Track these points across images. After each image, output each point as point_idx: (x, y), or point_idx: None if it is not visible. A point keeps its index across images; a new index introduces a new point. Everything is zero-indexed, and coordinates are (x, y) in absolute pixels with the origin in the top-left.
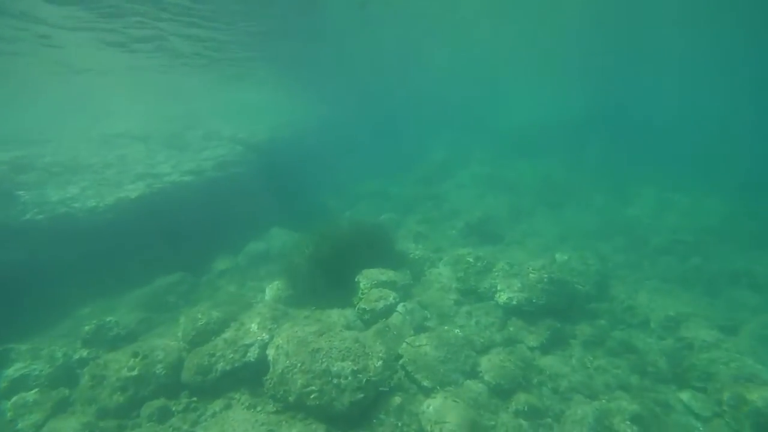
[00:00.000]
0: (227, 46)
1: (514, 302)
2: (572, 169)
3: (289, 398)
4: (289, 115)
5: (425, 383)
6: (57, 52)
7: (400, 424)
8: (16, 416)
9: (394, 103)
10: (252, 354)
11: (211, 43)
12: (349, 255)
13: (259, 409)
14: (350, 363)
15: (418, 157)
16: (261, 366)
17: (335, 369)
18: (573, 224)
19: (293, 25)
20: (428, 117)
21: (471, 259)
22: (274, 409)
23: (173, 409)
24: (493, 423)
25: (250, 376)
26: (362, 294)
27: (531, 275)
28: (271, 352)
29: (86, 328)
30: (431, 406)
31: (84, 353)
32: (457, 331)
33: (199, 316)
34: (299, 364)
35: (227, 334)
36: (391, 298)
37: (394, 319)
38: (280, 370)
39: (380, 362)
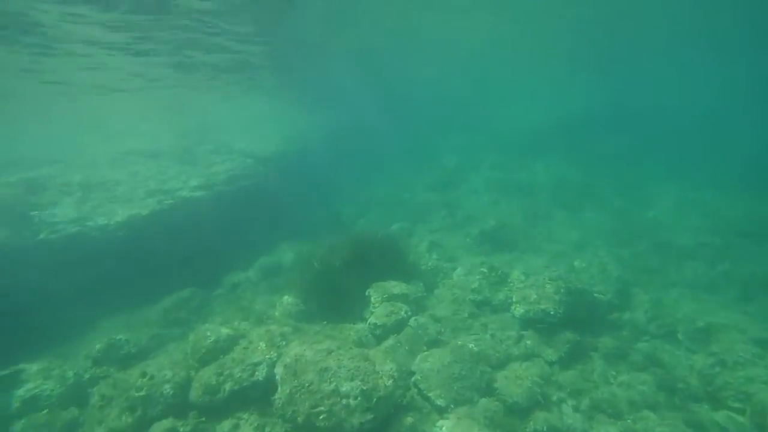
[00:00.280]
0: (238, 57)
1: (531, 315)
2: (588, 169)
3: (298, 419)
4: (299, 124)
5: (439, 402)
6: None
7: None
8: None
9: (404, 107)
10: (260, 373)
11: (223, 54)
12: (359, 267)
13: (267, 430)
14: (359, 383)
15: (430, 162)
16: (270, 385)
17: (344, 389)
18: (591, 228)
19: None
20: (439, 120)
21: (485, 270)
22: (283, 430)
23: (181, 430)
24: None
25: (258, 396)
26: (373, 308)
27: (547, 286)
28: (279, 371)
29: (97, 346)
30: (444, 427)
31: (95, 372)
32: (471, 345)
33: (208, 334)
34: (307, 384)
35: (235, 353)
36: (402, 312)
37: (406, 333)
38: (288, 390)
39: (390, 381)
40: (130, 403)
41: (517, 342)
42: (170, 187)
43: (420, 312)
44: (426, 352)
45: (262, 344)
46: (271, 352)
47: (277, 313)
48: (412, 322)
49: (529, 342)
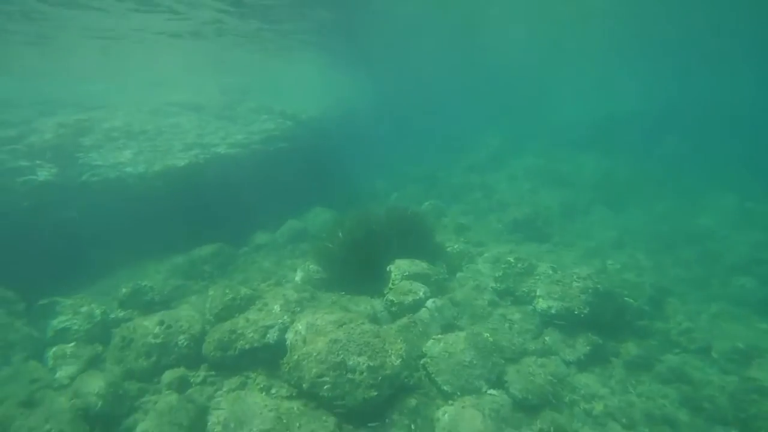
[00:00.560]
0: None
1: (553, 311)
2: (639, 166)
3: (303, 385)
4: (341, 92)
5: (445, 387)
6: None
7: (413, 427)
8: (55, 366)
9: (451, 86)
10: (272, 336)
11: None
12: (384, 242)
13: (273, 391)
14: (367, 358)
15: (472, 143)
16: (280, 349)
17: (351, 363)
18: (632, 228)
19: None
20: (485, 102)
21: (512, 259)
22: (288, 393)
23: (191, 380)
24: None
25: (268, 357)
26: (392, 285)
27: (574, 284)
28: (290, 336)
29: (123, 290)
30: (447, 413)
31: (120, 314)
32: (486, 335)
33: (227, 291)
34: (315, 353)
35: (250, 313)
36: (421, 293)
37: (422, 314)
38: (296, 356)
39: (399, 360)
40: (147, 349)
41: (535, 337)
42: (208, 141)
43: (439, 294)
44: (439, 336)
45: (277, 307)
46: (284, 317)
47: (297, 278)
48: (429, 303)
49: (548, 338)
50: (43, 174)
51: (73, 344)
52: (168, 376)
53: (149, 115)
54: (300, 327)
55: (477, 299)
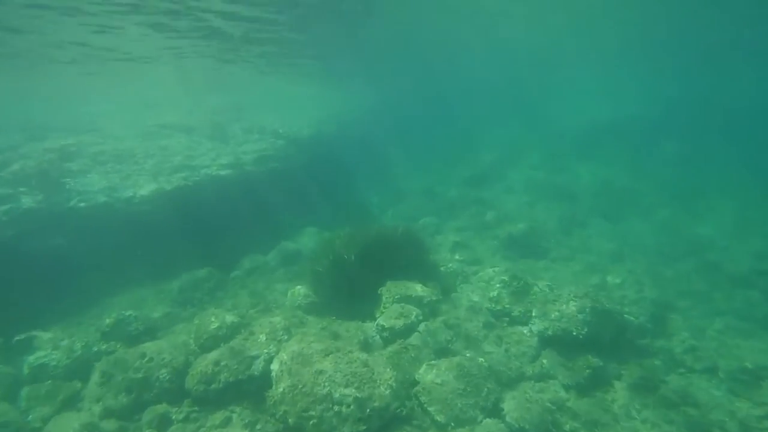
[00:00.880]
0: (274, 27)
1: (550, 332)
2: (638, 175)
3: (289, 420)
4: (334, 107)
5: (438, 418)
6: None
7: None
8: (28, 407)
9: (446, 96)
10: (257, 367)
11: (258, 24)
12: (376, 263)
13: (258, 427)
14: (354, 390)
15: (469, 155)
16: (265, 380)
17: (337, 395)
18: (631, 241)
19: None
20: (481, 112)
21: (507, 278)
22: (274, 429)
23: (173, 417)
24: None
25: (254, 390)
26: (384, 308)
27: (571, 303)
28: (275, 368)
29: (107, 321)
30: None
31: (103, 346)
32: (481, 360)
33: (213, 319)
34: (300, 386)
35: (235, 343)
36: (413, 317)
37: (414, 339)
38: (281, 389)
39: (388, 391)
40: (128, 384)
41: (532, 360)
42: (198, 163)
43: (432, 317)
44: (433, 362)
45: (263, 337)
46: (270, 347)
47: (287, 303)
48: (422, 327)
49: (545, 361)
50: (28, 201)
51: (49, 382)
52: (149, 413)
53: (139, 138)
54: (285, 357)
55: (471, 321)
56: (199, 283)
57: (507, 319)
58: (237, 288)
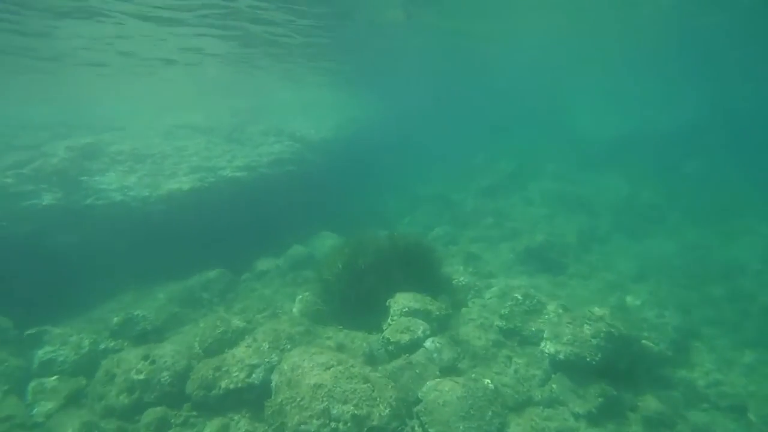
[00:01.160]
0: (300, 32)
1: (562, 356)
2: (664, 190)
3: None
4: (352, 112)
5: None
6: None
7: None
8: (34, 401)
9: (466, 101)
10: (257, 376)
11: (282, 28)
12: (386, 272)
13: None
14: (352, 407)
15: (488, 162)
16: (265, 389)
17: (335, 412)
18: (655, 260)
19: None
20: (502, 119)
21: (519, 296)
22: None
23: (172, 421)
24: None
25: (253, 398)
26: (391, 321)
27: (586, 326)
28: (275, 378)
29: (115, 319)
30: None
31: (110, 344)
32: (487, 381)
33: (218, 323)
34: (299, 399)
35: (238, 349)
36: (419, 332)
37: (420, 355)
38: (280, 400)
39: (388, 410)
40: (130, 385)
41: (541, 384)
42: (214, 164)
43: (441, 332)
44: (437, 380)
45: (266, 345)
46: (272, 356)
47: (294, 309)
48: (428, 343)
49: (555, 386)
50: (48, 198)
51: (55, 378)
52: (148, 416)
53: (158, 138)
54: (286, 367)
55: (480, 339)
56: (210, 284)
57: (518, 338)
58: (247, 291)
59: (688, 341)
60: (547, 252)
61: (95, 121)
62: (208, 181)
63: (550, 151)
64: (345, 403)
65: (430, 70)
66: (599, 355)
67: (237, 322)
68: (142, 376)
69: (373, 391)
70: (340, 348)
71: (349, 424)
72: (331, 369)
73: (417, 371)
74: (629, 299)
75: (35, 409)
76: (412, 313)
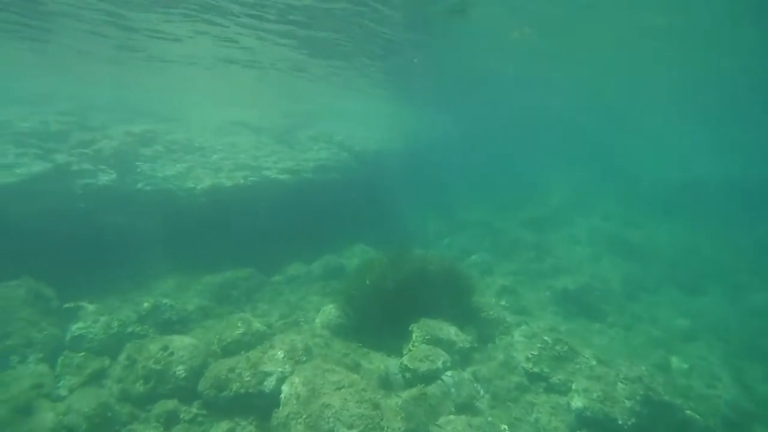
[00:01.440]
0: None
1: (589, 413)
2: (729, 244)
3: None
4: (406, 127)
5: None
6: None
7: None
8: (61, 374)
9: (519, 130)
10: (268, 384)
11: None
12: (415, 294)
13: None
14: None
15: (535, 195)
16: (275, 399)
17: None
18: (710, 320)
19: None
20: (557, 152)
21: (549, 339)
22: None
23: (181, 416)
24: None
25: (263, 405)
26: (412, 347)
27: (620, 385)
28: (285, 389)
29: (144, 304)
30: None
31: (137, 328)
32: (504, 427)
33: (239, 324)
34: (305, 415)
35: (254, 354)
36: (440, 362)
37: (436, 387)
38: (286, 412)
39: None
40: (147, 373)
41: None
42: (260, 164)
43: (462, 365)
44: (451, 416)
45: (281, 353)
46: (286, 366)
47: (317, 320)
48: (447, 376)
49: None
50: (104, 179)
51: (82, 354)
52: (159, 407)
53: (211, 132)
54: (297, 381)
55: (504, 379)
56: (240, 282)
57: (543, 384)
58: (274, 294)
59: (743, 422)
60: (587, 295)
61: (161, 109)
62: (251, 180)
63: (605, 190)
64: (351, 428)
65: (489, 99)
66: (633, 420)
67: (258, 326)
68: (159, 366)
69: (382, 419)
70: (356, 367)
71: None
72: (342, 390)
73: (431, 403)
74: (675, 360)
75: (61, 382)
76: (435, 341)
